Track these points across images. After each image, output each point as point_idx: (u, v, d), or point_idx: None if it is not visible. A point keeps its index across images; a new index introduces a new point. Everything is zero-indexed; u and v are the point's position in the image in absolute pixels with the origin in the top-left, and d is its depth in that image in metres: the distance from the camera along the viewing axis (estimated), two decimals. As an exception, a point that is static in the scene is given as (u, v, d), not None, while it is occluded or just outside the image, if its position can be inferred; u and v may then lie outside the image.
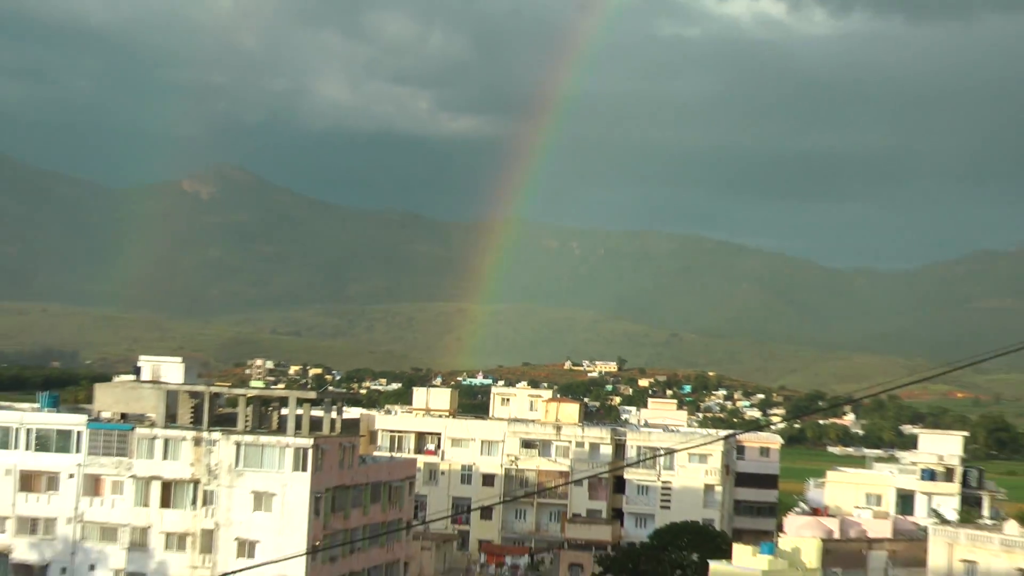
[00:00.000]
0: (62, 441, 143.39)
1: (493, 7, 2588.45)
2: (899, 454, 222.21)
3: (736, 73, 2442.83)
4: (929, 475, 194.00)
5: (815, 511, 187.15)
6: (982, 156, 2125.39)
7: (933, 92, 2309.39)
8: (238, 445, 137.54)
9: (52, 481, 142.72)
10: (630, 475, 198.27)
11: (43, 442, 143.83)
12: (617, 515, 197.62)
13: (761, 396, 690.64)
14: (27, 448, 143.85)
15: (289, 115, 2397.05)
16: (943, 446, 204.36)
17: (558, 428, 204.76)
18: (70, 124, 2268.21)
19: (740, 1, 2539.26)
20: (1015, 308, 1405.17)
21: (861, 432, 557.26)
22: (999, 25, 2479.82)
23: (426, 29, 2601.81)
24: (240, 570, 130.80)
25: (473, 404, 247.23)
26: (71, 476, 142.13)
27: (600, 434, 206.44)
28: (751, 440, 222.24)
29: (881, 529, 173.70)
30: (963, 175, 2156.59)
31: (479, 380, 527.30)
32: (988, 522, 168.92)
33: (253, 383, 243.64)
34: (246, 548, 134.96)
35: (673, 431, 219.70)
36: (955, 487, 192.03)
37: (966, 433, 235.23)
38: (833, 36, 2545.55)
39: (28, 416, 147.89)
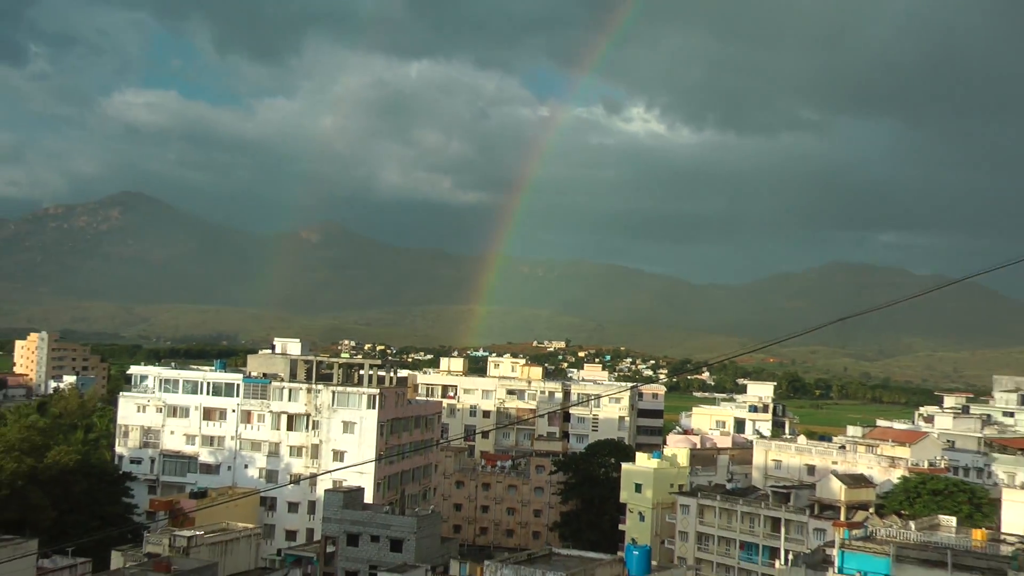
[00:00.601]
0: (228, 390, 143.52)
1: (488, 126, 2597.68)
2: (736, 397, 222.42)
3: (636, 166, 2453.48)
4: (753, 409, 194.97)
5: (685, 432, 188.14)
6: (782, 216, 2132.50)
7: (753, 178, 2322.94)
8: (333, 393, 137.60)
9: (222, 414, 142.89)
10: (573, 411, 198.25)
11: (217, 390, 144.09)
12: (565, 435, 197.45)
13: (652, 361, 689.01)
14: (207, 394, 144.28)
15: (366, 191, 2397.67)
16: (761, 391, 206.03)
17: (529, 382, 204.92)
18: (234, 197, 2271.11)
19: (638, 123, 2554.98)
20: (802, 307, 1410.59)
21: (713, 383, 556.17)
22: (790, 139, 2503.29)
23: (448, 139, 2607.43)
24: (335, 469, 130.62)
25: (477, 368, 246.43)
26: (233, 411, 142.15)
27: (555, 386, 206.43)
28: (647, 389, 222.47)
29: (725, 442, 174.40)
30: (771, 226, 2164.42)
31: (480, 353, 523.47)
32: (788, 437, 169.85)
33: (343, 355, 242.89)
34: (339, 455, 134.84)
35: (599, 384, 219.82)
36: (769, 416, 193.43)
37: (775, 383, 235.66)
38: (694, 144, 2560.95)
39: (208, 374, 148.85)
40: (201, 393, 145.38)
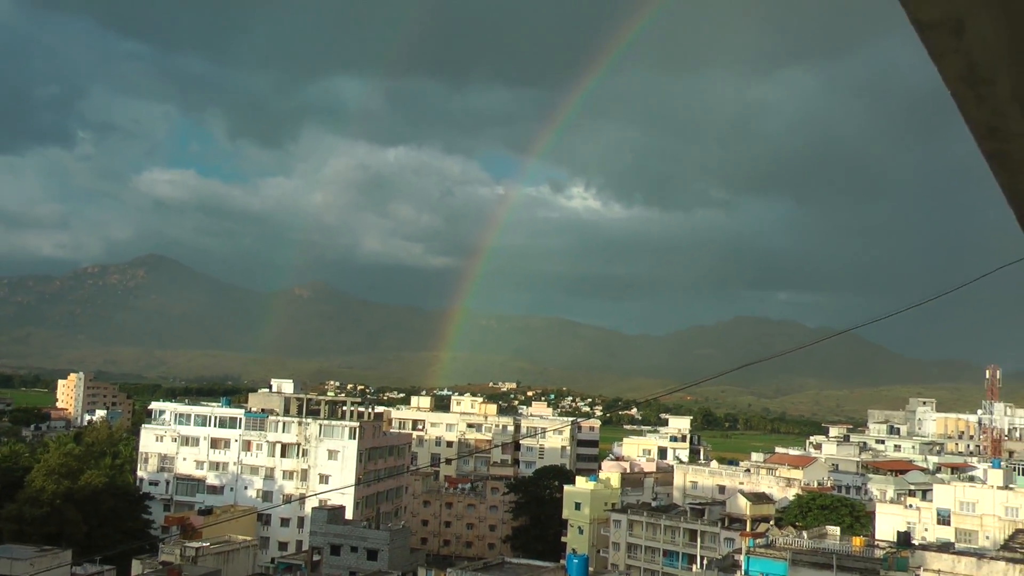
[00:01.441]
0: (231, 423, 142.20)
1: (453, 202, 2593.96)
2: (659, 429, 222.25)
3: (576, 237, 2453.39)
4: (674, 439, 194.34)
5: (618, 458, 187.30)
6: (697, 278, 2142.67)
7: (672, 246, 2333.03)
8: (320, 426, 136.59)
9: (226, 443, 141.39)
10: (523, 441, 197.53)
11: (222, 423, 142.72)
12: (516, 462, 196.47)
13: (590, 400, 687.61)
14: (214, 426, 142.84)
15: (350, 256, 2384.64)
16: (680, 424, 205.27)
17: (486, 417, 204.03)
18: (241, 260, 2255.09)
19: (578, 200, 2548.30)
20: (714, 354, 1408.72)
21: (640, 418, 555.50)
22: (704, 214, 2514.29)
23: (420, 213, 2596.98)
24: (322, 492, 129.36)
25: (442, 405, 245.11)
26: (236, 440, 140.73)
27: (507, 420, 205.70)
28: (584, 423, 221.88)
29: (650, 467, 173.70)
30: (688, 286, 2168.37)
31: (445, 392, 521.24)
32: (703, 462, 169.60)
33: (329, 394, 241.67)
34: (324, 479, 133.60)
35: (545, 419, 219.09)
36: (686, 445, 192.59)
37: (691, 418, 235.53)
38: (624, 218, 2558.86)
39: (215, 409, 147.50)
40: (209, 425, 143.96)
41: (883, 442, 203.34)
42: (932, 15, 4.27)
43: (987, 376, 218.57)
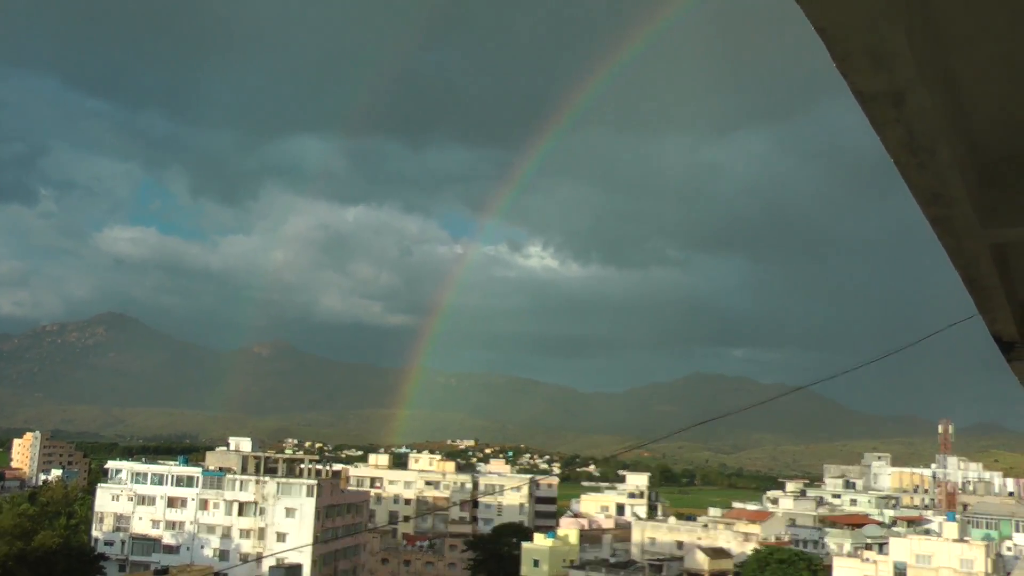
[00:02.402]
0: (188, 481, 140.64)
1: (412, 261, 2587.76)
2: (617, 485, 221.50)
3: (533, 296, 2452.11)
4: (632, 495, 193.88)
5: (576, 515, 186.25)
6: (654, 335, 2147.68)
7: (629, 304, 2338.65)
8: (278, 484, 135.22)
9: (183, 502, 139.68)
10: (481, 499, 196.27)
11: (179, 481, 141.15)
12: (474, 519, 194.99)
13: (547, 457, 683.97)
14: (172, 484, 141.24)
15: (309, 314, 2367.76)
16: (638, 480, 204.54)
17: (444, 475, 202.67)
18: (200, 318, 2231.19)
19: (535, 259, 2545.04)
20: (671, 411, 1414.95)
21: (598, 474, 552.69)
22: (660, 273, 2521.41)
23: (379, 272, 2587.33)
24: (279, 552, 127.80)
25: (400, 462, 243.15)
26: (193, 499, 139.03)
27: (465, 478, 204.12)
28: (543, 480, 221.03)
29: (609, 523, 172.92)
30: (645, 344, 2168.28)
31: (403, 450, 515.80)
32: (661, 517, 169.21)
33: (287, 452, 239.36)
34: (282, 537, 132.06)
35: (503, 476, 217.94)
36: (644, 501, 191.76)
37: (649, 474, 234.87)
38: (581, 276, 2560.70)
39: (173, 468, 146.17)
40: (166, 484, 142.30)
41: (839, 496, 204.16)
42: (873, 87, 4.33)
43: (940, 430, 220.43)
